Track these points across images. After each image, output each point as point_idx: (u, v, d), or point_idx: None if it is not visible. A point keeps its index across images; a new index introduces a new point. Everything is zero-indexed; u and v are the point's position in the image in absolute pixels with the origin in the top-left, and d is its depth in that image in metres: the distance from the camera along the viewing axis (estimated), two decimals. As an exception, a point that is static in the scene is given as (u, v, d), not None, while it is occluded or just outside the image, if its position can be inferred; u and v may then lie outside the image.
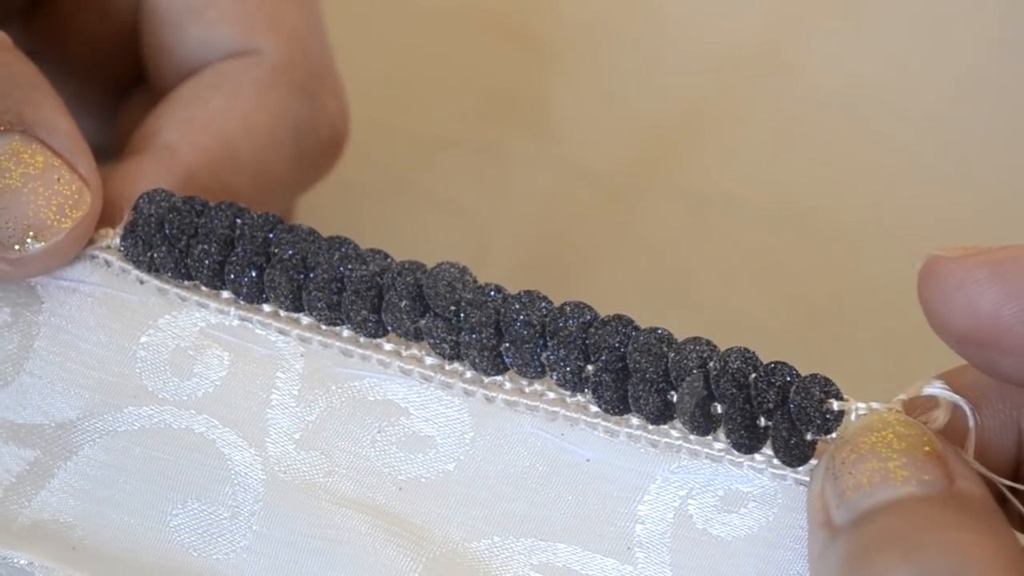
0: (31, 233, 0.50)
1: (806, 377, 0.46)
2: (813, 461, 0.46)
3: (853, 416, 0.46)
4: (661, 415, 0.47)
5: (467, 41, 0.83)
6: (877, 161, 0.80)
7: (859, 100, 0.81)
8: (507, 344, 0.48)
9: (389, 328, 0.49)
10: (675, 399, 0.47)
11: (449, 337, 0.49)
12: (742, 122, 0.81)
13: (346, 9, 0.82)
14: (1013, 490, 0.46)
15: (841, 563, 0.43)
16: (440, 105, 0.81)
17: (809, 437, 0.46)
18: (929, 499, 0.43)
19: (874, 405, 0.46)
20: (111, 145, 0.63)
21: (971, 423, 0.46)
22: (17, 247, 0.50)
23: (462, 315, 0.49)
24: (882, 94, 0.82)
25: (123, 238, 0.51)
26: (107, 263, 0.51)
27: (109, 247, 0.51)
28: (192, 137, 0.56)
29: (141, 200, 0.51)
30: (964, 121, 0.80)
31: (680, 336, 0.48)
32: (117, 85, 0.65)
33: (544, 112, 0.81)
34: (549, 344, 0.48)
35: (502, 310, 0.48)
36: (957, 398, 0.46)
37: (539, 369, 0.48)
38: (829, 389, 0.46)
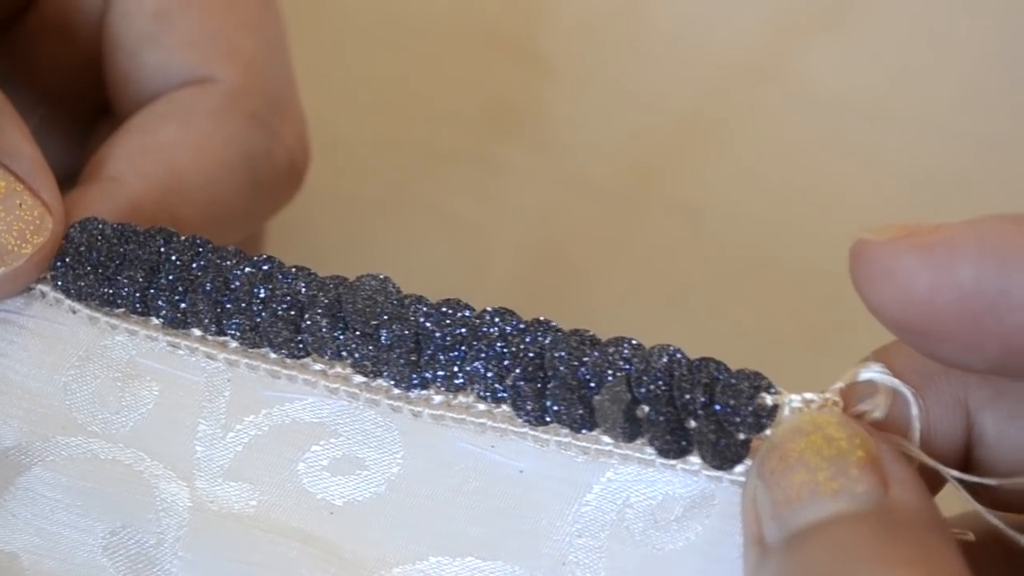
0: None
1: (734, 372, 0.44)
2: (748, 461, 0.44)
3: (787, 411, 0.43)
4: (583, 423, 0.45)
5: (466, 54, 0.83)
6: (875, 172, 0.79)
7: (856, 111, 0.80)
8: (426, 358, 0.47)
9: (310, 349, 0.48)
10: (596, 404, 0.45)
11: (369, 353, 0.47)
12: (741, 134, 0.80)
13: (344, 21, 0.82)
14: (961, 478, 0.44)
15: None
16: (439, 117, 0.80)
17: (741, 437, 0.44)
18: (860, 517, 0.41)
19: (808, 396, 0.44)
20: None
21: (914, 411, 0.44)
22: None
23: (382, 330, 0.47)
24: (879, 105, 0.80)
25: (53, 267, 0.50)
26: (42, 294, 0.51)
27: (45, 277, 0.51)
28: (140, 167, 0.55)
29: (73, 229, 0.51)
30: (962, 132, 0.79)
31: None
32: (87, 112, 0.65)
33: (543, 124, 0.80)
34: (467, 355, 0.46)
35: (422, 322, 0.47)
36: (898, 383, 0.44)
37: (461, 382, 0.46)
38: (759, 383, 0.44)
